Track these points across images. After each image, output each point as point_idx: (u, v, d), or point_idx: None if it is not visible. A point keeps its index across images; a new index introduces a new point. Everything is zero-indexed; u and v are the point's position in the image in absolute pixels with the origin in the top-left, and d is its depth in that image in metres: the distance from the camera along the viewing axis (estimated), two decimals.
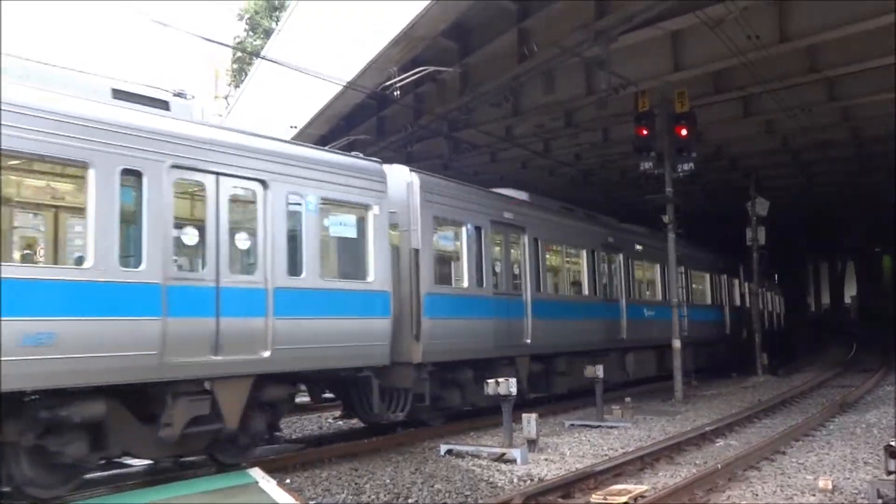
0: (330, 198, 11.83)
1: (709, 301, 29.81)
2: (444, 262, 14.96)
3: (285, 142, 12.16)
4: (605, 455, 12.04)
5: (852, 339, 49.86)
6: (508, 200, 16.98)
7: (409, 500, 9.36)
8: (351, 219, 12.37)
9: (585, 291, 19.74)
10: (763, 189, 29.35)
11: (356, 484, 10.15)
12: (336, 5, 19.00)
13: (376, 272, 12.32)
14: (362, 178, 12.33)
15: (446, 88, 20.40)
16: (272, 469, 10.75)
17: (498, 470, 11.02)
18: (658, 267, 24.37)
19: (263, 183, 10.75)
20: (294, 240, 11.21)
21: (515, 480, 10.39)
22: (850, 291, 70.46)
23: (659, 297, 24.32)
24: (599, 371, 16.03)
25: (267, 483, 9.83)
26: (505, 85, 19.06)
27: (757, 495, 9.26)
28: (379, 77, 18.02)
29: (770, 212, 29.18)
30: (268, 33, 36.29)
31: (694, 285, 28.25)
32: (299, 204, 11.29)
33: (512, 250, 16.70)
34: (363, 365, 12.19)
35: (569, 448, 12.82)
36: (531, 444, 12.40)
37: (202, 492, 9.44)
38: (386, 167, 13.20)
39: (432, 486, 9.96)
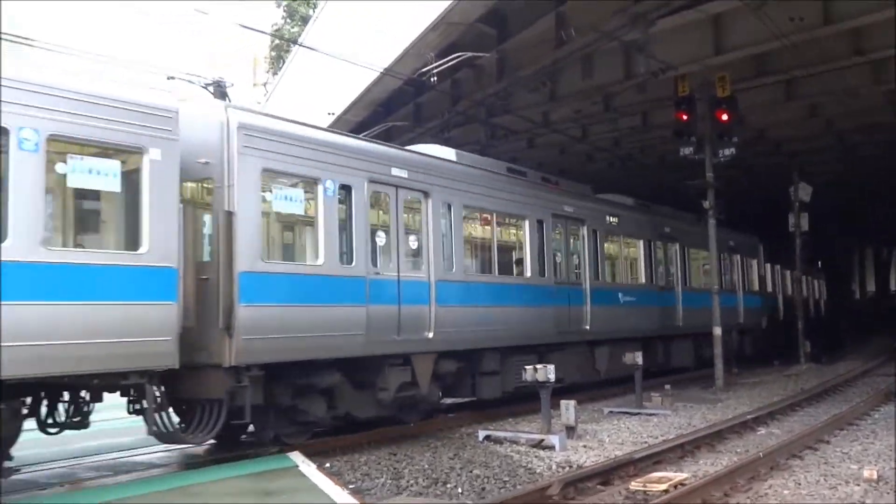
0: (67, 135, 8.65)
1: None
2: (288, 231, 12.29)
3: None
4: (645, 442, 11.98)
5: None
6: (402, 155, 13.43)
7: (448, 486, 9.38)
8: (110, 166, 9.08)
9: (528, 272, 15.85)
10: (806, 174, 28.87)
11: (395, 469, 10.22)
12: None
13: (153, 240, 9.21)
14: (131, 111, 9.16)
15: (483, 74, 20.31)
16: (312, 453, 10.87)
17: (536, 456, 11.03)
18: (642, 244, 20.77)
19: None
20: None
21: (554, 467, 10.37)
22: None
23: (642, 279, 20.72)
24: (639, 358, 15.94)
25: (307, 467, 9.95)
26: (542, 70, 18.93)
27: (800, 484, 9.13)
28: (416, 63, 17.98)
29: (813, 196, 28.66)
30: (305, 20, 36.41)
31: (695, 266, 24.47)
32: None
33: (409, 218, 13.29)
34: (130, 368, 9.05)
35: (608, 435, 12.78)
36: (570, 430, 12.37)
37: (243, 475, 9.58)
38: (183, 102, 10.24)
39: (471, 472, 9.99)
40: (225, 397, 9.94)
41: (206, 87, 14.96)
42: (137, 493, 8.71)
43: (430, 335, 12.94)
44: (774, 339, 30.29)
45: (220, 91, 15.04)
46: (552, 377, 12.33)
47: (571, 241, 17.65)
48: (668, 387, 17.30)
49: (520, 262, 16.11)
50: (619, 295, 19.21)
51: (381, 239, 12.46)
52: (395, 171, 12.72)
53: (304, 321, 10.83)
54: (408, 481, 9.59)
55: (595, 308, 17.69)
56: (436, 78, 17.36)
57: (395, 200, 12.78)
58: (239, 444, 11.57)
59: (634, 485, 8.97)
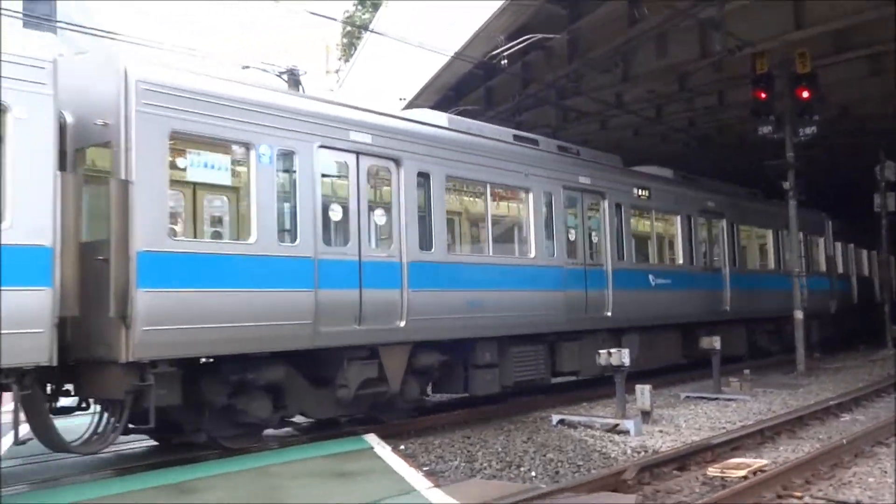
0: None
1: (772, 266, 23.35)
2: (211, 204, 10.90)
3: None
4: (723, 428, 11.78)
5: None
6: (364, 118, 11.54)
7: (522, 469, 9.38)
8: None
9: (532, 252, 13.93)
10: (893, 152, 27.77)
11: (468, 451, 10.28)
12: None
13: (18, 214, 7.94)
14: None
15: (554, 56, 20.12)
16: (387, 435, 11.01)
17: (611, 441, 10.95)
18: (679, 220, 18.53)
19: None
20: None
21: (629, 451, 10.28)
22: None
23: (680, 259, 18.53)
24: (717, 342, 15.65)
25: (382, 449, 10.09)
26: (615, 50, 18.67)
27: (886, 472, 8.83)
28: (486, 46, 17.92)
29: None
30: (376, 6, 36.61)
31: (747, 245, 22.43)
32: None
33: (377, 190, 11.71)
34: None
35: (684, 420, 12.60)
36: (645, 415, 12.24)
37: (320, 456, 9.76)
38: (78, 55, 9.20)
39: (544, 456, 9.97)
40: (126, 398, 8.67)
41: (279, 76, 15.24)
42: (220, 472, 8.95)
43: (402, 324, 11.36)
44: (848, 325, 28.59)
45: (293, 79, 15.29)
46: (627, 361, 12.19)
47: (589, 216, 15.60)
48: (747, 372, 16.92)
49: (523, 240, 14.21)
50: (650, 277, 17.06)
51: (336, 214, 10.85)
52: (354, 136, 11.07)
53: (228, 309, 9.33)
54: (481, 464, 9.63)
55: (619, 292, 15.67)
56: (506, 61, 17.27)
57: (355, 169, 11.07)
58: (189, 447, 10.19)
59: (712, 470, 8.84)
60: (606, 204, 15.88)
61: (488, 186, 13.40)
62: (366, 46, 26.55)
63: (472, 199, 13.78)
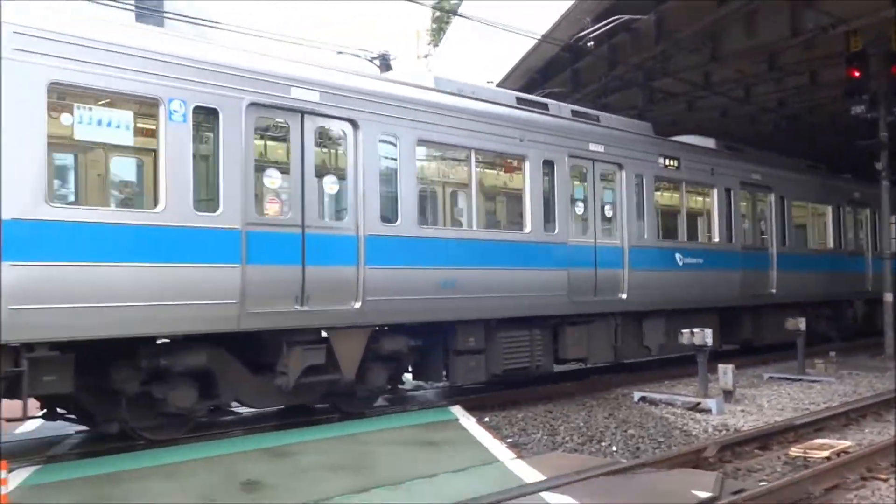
0: None
1: (831, 245, 21.15)
2: (112, 167, 9.45)
3: None
4: (806, 409, 11.77)
5: None
6: (309, 73, 10.16)
7: (603, 444, 9.64)
8: None
9: (528, 227, 12.45)
10: None
11: (551, 425, 10.58)
12: None
13: None
14: None
15: (641, 37, 20.04)
16: (472, 407, 11.36)
17: (692, 419, 11.09)
18: (716, 193, 16.59)
19: None
20: None
21: (710, 430, 10.41)
22: None
23: (716, 237, 16.61)
24: (801, 324, 15.49)
25: (467, 420, 10.46)
26: (703, 30, 18.49)
27: None
28: (573, 29, 17.99)
29: None
30: None
31: (803, 223, 20.61)
32: None
33: (329, 155, 10.45)
34: None
35: (767, 400, 12.61)
36: (727, 394, 12.32)
37: (409, 425, 10.18)
38: None
39: (625, 432, 10.20)
40: None
41: (371, 61, 15.69)
42: (312, 438, 9.38)
43: (358, 305, 10.09)
44: None
45: (384, 64, 15.73)
46: (709, 341, 12.27)
47: (602, 189, 13.94)
48: (832, 353, 16.70)
49: (517, 213, 12.83)
50: (678, 256, 15.30)
51: (274, 181, 9.63)
52: (297, 93, 9.79)
53: (127, 286, 8.22)
54: (563, 438, 9.94)
55: (637, 272, 14.10)
56: (592, 43, 17.33)
57: (298, 131, 9.82)
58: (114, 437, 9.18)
59: (794, 451, 8.90)
60: (624, 175, 14.21)
61: (473, 152, 11.85)
62: (454, 31, 26.86)
63: (453, 166, 12.45)
